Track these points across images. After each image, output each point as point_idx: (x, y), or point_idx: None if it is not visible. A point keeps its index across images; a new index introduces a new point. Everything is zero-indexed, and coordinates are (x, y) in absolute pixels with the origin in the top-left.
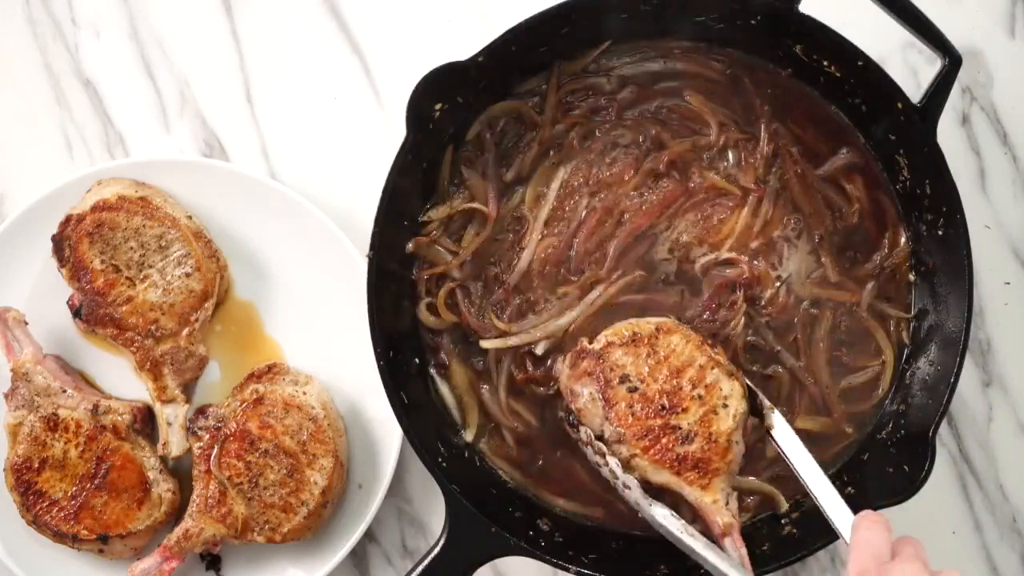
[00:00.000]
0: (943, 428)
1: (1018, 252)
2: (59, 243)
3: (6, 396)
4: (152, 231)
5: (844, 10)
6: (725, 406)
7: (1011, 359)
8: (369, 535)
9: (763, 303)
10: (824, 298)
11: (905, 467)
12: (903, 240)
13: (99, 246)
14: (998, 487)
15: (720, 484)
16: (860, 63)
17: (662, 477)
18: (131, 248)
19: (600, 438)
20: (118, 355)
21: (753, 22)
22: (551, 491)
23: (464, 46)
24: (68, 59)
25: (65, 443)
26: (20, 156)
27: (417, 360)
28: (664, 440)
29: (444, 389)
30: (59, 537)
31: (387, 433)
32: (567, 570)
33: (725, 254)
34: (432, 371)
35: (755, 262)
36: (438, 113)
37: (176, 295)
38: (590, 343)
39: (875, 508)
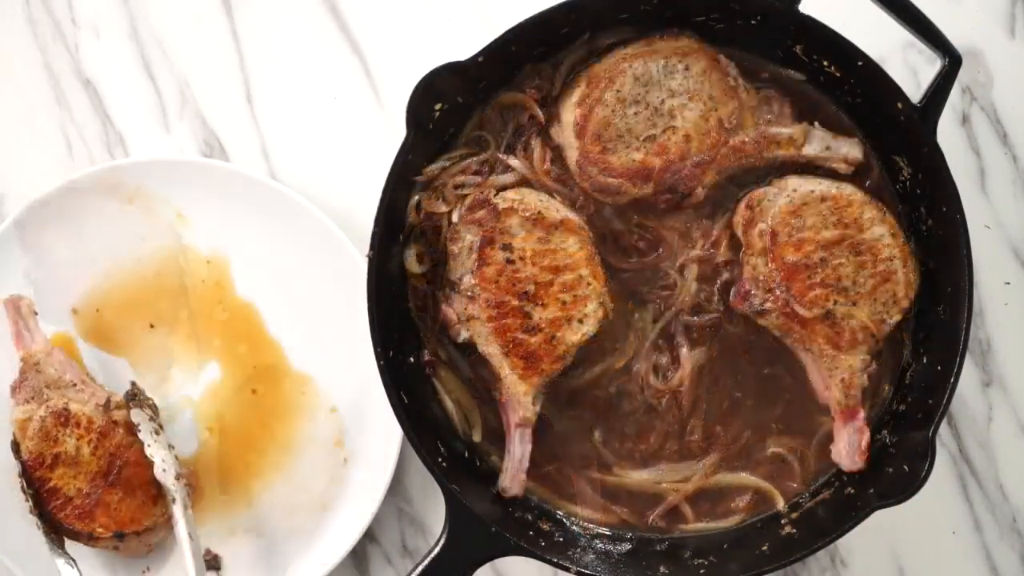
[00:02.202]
0: (943, 428)
1: (1018, 252)
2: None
3: (14, 388)
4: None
5: (844, 10)
6: (581, 322)
7: (1011, 359)
8: (369, 535)
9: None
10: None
11: (905, 467)
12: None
13: None
14: (998, 487)
15: (537, 381)
16: (860, 63)
17: (492, 349)
18: None
19: (452, 283)
20: (117, 356)
21: (753, 22)
22: (552, 493)
23: (464, 46)
24: (68, 59)
25: (77, 439)
26: (20, 156)
27: (416, 360)
28: (510, 320)
29: (442, 390)
30: (73, 535)
31: (387, 433)
32: (567, 570)
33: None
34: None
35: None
36: (438, 113)
37: None
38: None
39: (875, 508)
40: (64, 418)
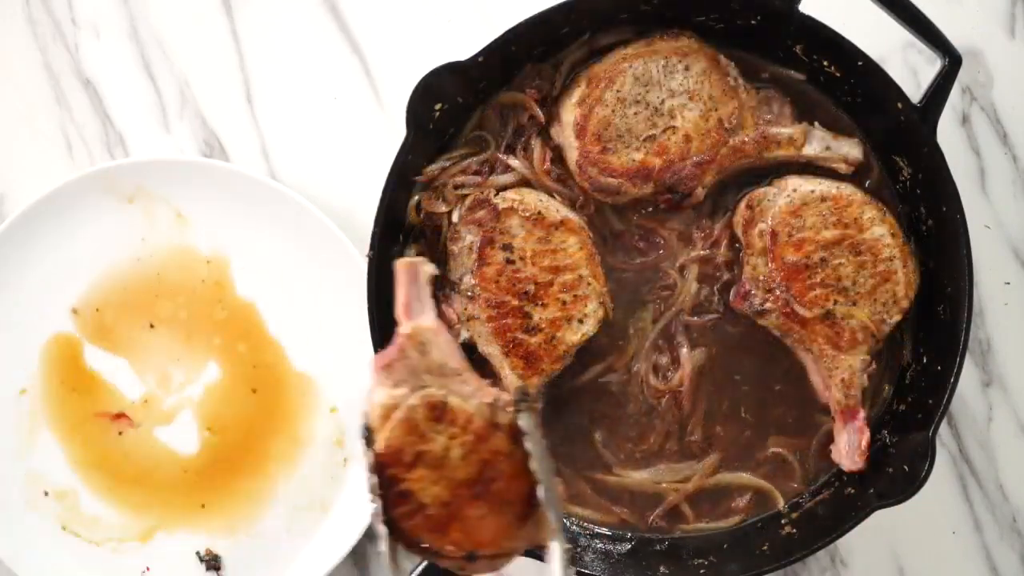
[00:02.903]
0: (943, 428)
1: (1018, 252)
2: None
3: (383, 365)
4: None
5: (844, 10)
6: (581, 322)
7: (1011, 359)
8: (369, 535)
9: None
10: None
11: (905, 467)
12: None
13: None
14: (998, 487)
15: (537, 382)
16: (860, 63)
17: (492, 349)
18: None
19: (452, 283)
20: (117, 356)
21: (753, 22)
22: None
23: (464, 46)
24: (68, 59)
25: (449, 438)
26: (20, 156)
27: None
28: (510, 320)
29: None
30: (415, 548)
31: None
32: None
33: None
34: None
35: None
36: (438, 113)
37: None
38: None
39: (875, 508)
40: (439, 412)
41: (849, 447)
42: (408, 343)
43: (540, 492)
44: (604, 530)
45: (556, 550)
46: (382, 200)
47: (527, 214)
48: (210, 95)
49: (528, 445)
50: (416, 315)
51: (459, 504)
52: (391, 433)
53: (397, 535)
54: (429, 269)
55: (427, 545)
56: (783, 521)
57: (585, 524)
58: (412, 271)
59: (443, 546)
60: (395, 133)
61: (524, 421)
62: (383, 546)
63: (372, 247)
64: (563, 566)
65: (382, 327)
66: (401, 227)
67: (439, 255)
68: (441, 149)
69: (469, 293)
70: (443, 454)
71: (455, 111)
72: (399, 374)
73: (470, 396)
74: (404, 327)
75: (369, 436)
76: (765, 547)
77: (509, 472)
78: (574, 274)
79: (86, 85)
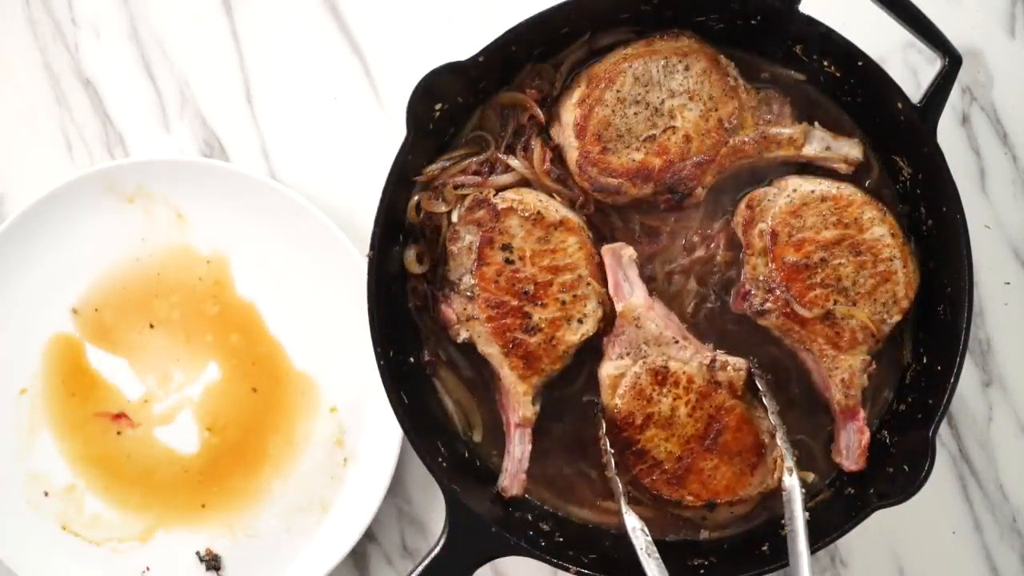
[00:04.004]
0: (943, 428)
1: (1018, 252)
2: None
3: (609, 340)
4: None
5: (844, 10)
6: (580, 321)
7: (1011, 359)
8: (369, 535)
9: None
10: None
11: (905, 467)
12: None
13: None
14: (998, 487)
15: (536, 381)
16: (860, 63)
17: (491, 349)
18: None
19: (452, 283)
20: (117, 356)
21: (753, 22)
22: (552, 493)
23: (464, 46)
24: (68, 59)
25: (674, 399)
26: (20, 156)
27: (416, 360)
28: (510, 320)
29: (442, 390)
30: (658, 502)
31: (387, 433)
32: (567, 570)
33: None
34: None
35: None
36: (438, 113)
37: None
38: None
39: (875, 508)
40: (662, 376)
41: (849, 447)
42: (624, 320)
43: (778, 435)
44: (604, 529)
45: (795, 486)
46: (382, 200)
47: (526, 214)
48: (210, 95)
49: (766, 401)
50: (627, 294)
51: (692, 458)
52: (620, 401)
53: (640, 490)
54: (630, 252)
55: (667, 497)
56: (782, 522)
57: (585, 524)
58: (616, 255)
59: (683, 496)
60: (395, 133)
61: (759, 382)
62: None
63: (372, 247)
64: (802, 501)
65: (382, 327)
66: (401, 227)
67: (438, 255)
68: (441, 149)
69: (468, 293)
70: (671, 414)
71: (455, 111)
72: (621, 347)
73: (689, 359)
74: (618, 306)
75: (601, 406)
76: (765, 547)
77: (734, 425)
78: (573, 274)
79: (86, 85)
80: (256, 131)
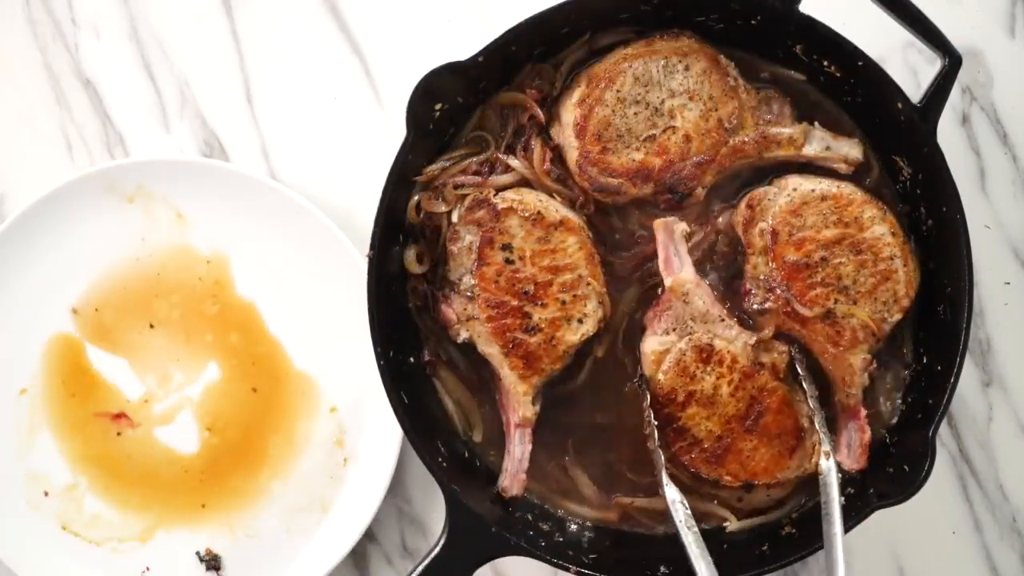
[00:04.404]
0: (943, 428)
1: (1018, 252)
2: None
3: (654, 315)
4: None
5: (844, 10)
6: (580, 321)
7: (1011, 359)
8: (369, 535)
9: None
10: None
11: (905, 467)
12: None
13: None
14: (998, 487)
15: (536, 381)
16: (860, 63)
17: (491, 349)
18: None
19: (452, 283)
20: (120, 356)
21: (753, 22)
22: (552, 492)
23: (464, 46)
24: (68, 59)
25: (717, 378)
26: (20, 156)
27: (416, 360)
28: (510, 320)
29: (442, 390)
30: (696, 481)
31: (387, 433)
32: (567, 570)
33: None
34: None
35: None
36: (438, 113)
37: None
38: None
39: (875, 508)
40: (706, 354)
41: (851, 445)
42: (672, 295)
43: (816, 419)
44: (604, 528)
45: (832, 470)
46: (382, 200)
47: (526, 214)
48: (210, 95)
49: (806, 385)
50: (676, 269)
51: (732, 438)
52: (664, 376)
53: (678, 468)
54: (683, 227)
55: (705, 476)
56: (783, 521)
57: (586, 524)
58: (668, 229)
59: (721, 476)
60: (395, 133)
61: (799, 365)
62: (661, 473)
63: (372, 247)
64: (839, 485)
65: (382, 327)
66: (401, 227)
67: (438, 255)
68: (441, 149)
69: (468, 293)
70: (713, 392)
71: (455, 111)
72: (667, 323)
73: (734, 339)
74: (667, 281)
75: (646, 380)
76: (765, 547)
77: (775, 407)
78: (573, 274)
79: (86, 85)
80: (256, 131)
